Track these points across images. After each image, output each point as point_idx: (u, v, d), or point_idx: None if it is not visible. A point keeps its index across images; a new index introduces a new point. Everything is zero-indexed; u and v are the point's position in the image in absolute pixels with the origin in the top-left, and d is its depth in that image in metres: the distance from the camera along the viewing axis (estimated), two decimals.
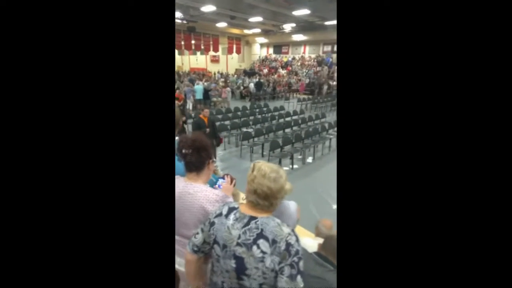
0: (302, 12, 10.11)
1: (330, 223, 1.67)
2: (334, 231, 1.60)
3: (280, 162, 4.16)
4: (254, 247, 0.78)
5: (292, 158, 4.42)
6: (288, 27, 14.68)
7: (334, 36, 14.82)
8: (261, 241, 0.78)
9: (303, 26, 14.15)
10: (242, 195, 1.56)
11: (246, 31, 16.70)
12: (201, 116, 3.78)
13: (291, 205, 1.46)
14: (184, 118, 3.90)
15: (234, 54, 17.01)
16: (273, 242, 0.77)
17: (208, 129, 3.66)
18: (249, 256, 0.78)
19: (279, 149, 4.53)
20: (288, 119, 6.80)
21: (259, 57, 18.82)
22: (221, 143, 4.09)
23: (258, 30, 16.19)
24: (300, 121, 6.48)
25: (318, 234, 1.61)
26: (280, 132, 5.77)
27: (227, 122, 5.80)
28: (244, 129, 5.54)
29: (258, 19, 12.25)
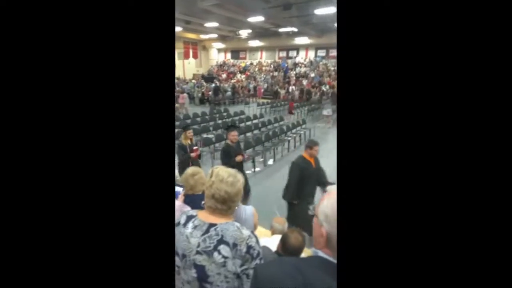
0: (256, 19, 10.41)
1: (283, 220, 1.77)
2: (285, 227, 1.70)
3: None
4: (215, 254, 0.77)
5: (253, 161, 4.49)
6: (244, 33, 14.95)
7: (288, 42, 15.57)
8: (221, 247, 0.78)
9: (259, 32, 14.57)
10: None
11: (203, 36, 16.51)
12: (305, 155, 2.32)
13: (248, 209, 1.50)
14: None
15: (191, 59, 16.64)
16: (234, 246, 0.78)
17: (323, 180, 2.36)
18: (210, 263, 0.77)
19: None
20: (248, 123, 6.90)
21: (217, 62, 18.74)
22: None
23: (214, 35, 16.13)
24: (260, 125, 6.62)
25: (273, 231, 1.69)
26: (241, 136, 5.82)
27: None
28: (205, 135, 5.45)
29: (214, 24, 12.23)
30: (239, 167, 2.97)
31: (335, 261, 0.54)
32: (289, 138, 5.78)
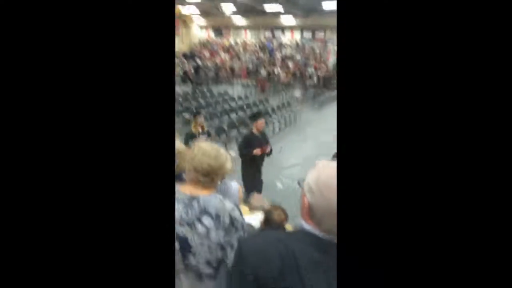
0: None
1: (260, 196, 1.83)
2: (265, 203, 1.73)
3: (226, 147, 4.15)
4: (198, 225, 0.77)
5: (237, 142, 4.46)
6: (227, 9, 14.28)
7: (272, 21, 15.13)
8: (204, 217, 0.78)
9: (243, 9, 13.98)
10: None
11: (184, 12, 15.58)
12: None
13: (233, 185, 1.53)
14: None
15: None
16: (217, 217, 0.78)
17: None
18: (193, 234, 0.77)
19: (224, 135, 4.50)
20: (232, 104, 6.77)
21: (200, 40, 17.93)
22: None
23: (196, 11, 15.29)
24: (244, 106, 6.52)
25: (251, 208, 1.74)
26: (225, 117, 5.71)
27: None
28: (187, 116, 5.29)
29: None
30: (259, 160, 2.56)
31: (318, 233, 0.55)
32: (274, 120, 5.76)
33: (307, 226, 0.57)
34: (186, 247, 0.79)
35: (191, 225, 0.78)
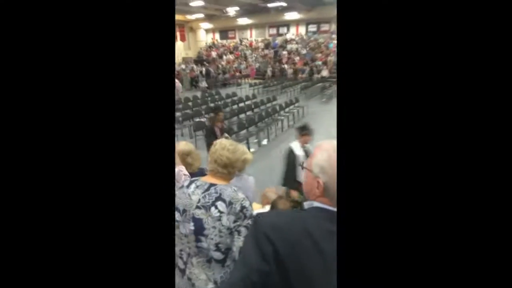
0: None
1: (273, 189, 1.89)
2: (275, 193, 1.80)
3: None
4: (213, 208, 0.91)
5: (248, 142, 4.58)
6: (232, 10, 14.39)
7: (277, 18, 15.07)
8: (219, 203, 0.91)
9: (247, 9, 14.02)
10: None
11: (189, 17, 15.85)
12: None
13: (250, 179, 1.67)
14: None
15: (179, 42, 16.10)
16: (230, 204, 0.91)
17: None
18: (208, 216, 0.90)
19: (234, 135, 4.63)
20: (241, 104, 6.90)
21: (206, 43, 18.16)
22: None
23: (201, 15, 15.51)
24: (253, 106, 6.64)
25: (265, 202, 1.80)
26: (234, 118, 5.85)
27: (178, 114, 5.64)
28: (197, 119, 5.47)
29: (200, 3, 11.73)
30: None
31: (332, 208, 0.59)
32: (282, 117, 5.83)
33: (319, 204, 0.60)
34: (200, 229, 0.91)
35: (206, 208, 0.92)
